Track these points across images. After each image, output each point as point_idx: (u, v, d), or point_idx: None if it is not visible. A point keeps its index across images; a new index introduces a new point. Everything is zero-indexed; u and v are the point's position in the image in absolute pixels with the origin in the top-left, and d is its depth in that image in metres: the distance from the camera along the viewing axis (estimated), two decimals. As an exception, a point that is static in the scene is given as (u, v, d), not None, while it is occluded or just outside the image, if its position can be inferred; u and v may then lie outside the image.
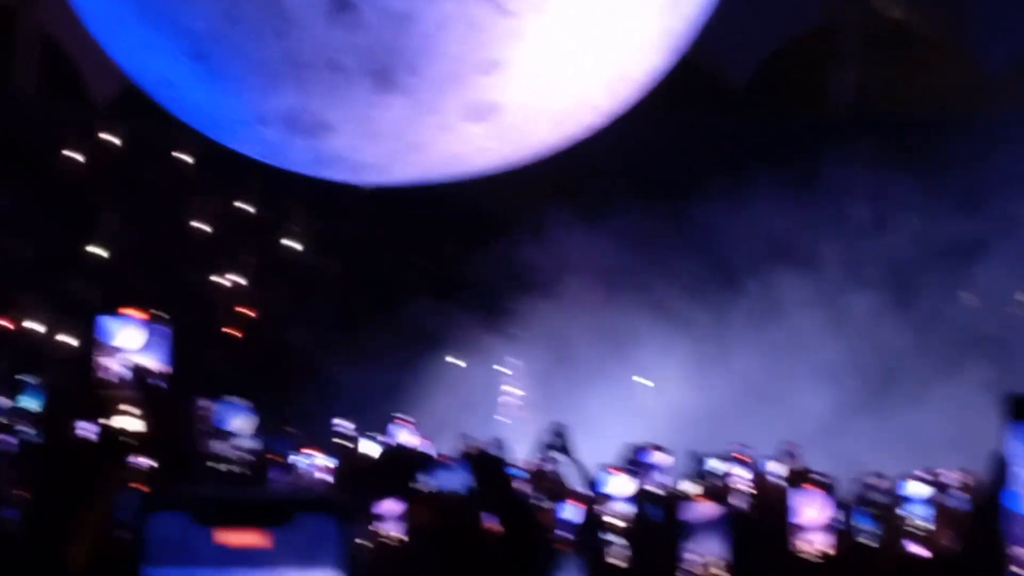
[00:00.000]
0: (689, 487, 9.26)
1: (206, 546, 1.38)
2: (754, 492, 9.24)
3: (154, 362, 2.83)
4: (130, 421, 2.88)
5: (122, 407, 2.87)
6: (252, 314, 21.49)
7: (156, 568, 1.39)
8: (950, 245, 20.80)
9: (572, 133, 7.55)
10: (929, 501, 9.67)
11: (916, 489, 9.88)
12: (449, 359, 21.81)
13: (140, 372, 2.86)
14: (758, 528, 7.25)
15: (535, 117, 7.24)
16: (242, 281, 21.65)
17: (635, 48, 7.24)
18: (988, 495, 2.00)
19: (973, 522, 1.96)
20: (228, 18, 6.66)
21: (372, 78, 6.81)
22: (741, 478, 9.65)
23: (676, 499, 7.94)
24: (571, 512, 7.90)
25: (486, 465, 4.89)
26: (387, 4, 6.65)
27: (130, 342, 2.79)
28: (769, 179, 20.48)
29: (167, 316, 2.86)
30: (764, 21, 24.32)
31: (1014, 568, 2.10)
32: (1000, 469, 2.05)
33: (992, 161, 20.29)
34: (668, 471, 8.60)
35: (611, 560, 7.14)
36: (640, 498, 7.95)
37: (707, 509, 5.34)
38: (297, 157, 7.34)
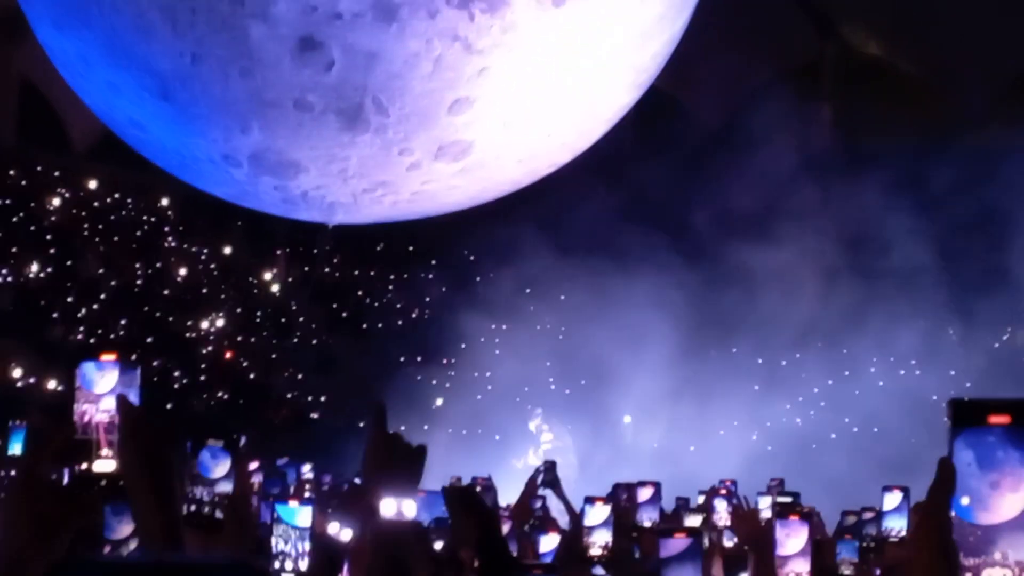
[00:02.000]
0: (672, 520, 9.25)
1: None
2: (736, 525, 9.21)
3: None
4: (106, 464, 2.85)
5: (99, 452, 2.84)
6: (231, 357, 21.47)
7: None
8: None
9: (540, 170, 7.54)
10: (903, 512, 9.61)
11: (890, 502, 9.85)
12: (437, 402, 21.87)
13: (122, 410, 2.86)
14: (741, 561, 7.20)
15: (503, 155, 7.23)
16: (222, 324, 21.62)
17: (602, 85, 7.23)
18: (937, 502, 1.99)
19: (918, 530, 1.95)
20: (193, 57, 6.63)
21: (340, 117, 6.79)
22: (724, 511, 9.63)
23: (657, 532, 7.94)
24: (552, 542, 7.90)
25: (462, 497, 4.81)
26: (354, 42, 6.63)
27: (103, 386, 2.78)
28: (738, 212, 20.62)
29: (135, 358, 2.83)
30: (741, 63, 24.43)
31: None
32: (948, 475, 2.04)
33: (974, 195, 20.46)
34: (651, 504, 8.56)
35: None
36: (619, 530, 7.94)
37: (682, 543, 5.27)
38: (266, 197, 7.30)
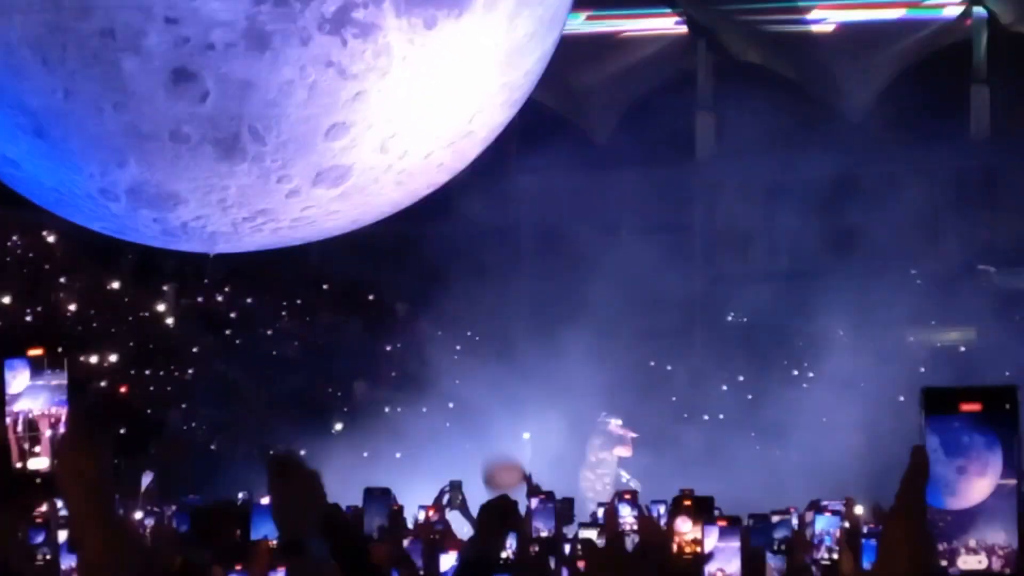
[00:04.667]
0: (575, 529, 9.34)
1: None
2: (638, 530, 9.29)
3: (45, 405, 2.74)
4: (40, 462, 2.82)
5: (32, 450, 2.81)
6: (125, 392, 21.30)
7: None
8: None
9: (419, 191, 7.61)
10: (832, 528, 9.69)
11: (821, 518, 9.94)
12: (337, 427, 21.80)
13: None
14: (646, 564, 7.21)
15: (381, 178, 7.28)
16: (114, 359, 21.46)
17: (476, 106, 7.31)
18: (912, 489, 2.00)
19: (893, 518, 1.95)
20: (66, 93, 6.63)
21: (216, 147, 6.81)
22: (628, 515, 9.70)
23: (557, 540, 8.03)
24: (451, 560, 7.94)
25: (333, 519, 4.85)
26: (227, 72, 6.66)
27: (16, 387, 2.71)
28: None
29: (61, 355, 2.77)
30: (625, 75, 24.60)
31: (942, 562, 2.11)
32: (922, 462, 2.06)
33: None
34: (551, 514, 8.62)
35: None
36: (522, 540, 7.99)
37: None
38: (145, 230, 7.30)
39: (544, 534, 8.17)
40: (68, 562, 5.92)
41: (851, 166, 22.97)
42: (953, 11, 24.22)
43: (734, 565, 6.00)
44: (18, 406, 2.81)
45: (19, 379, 2.83)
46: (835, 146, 22.76)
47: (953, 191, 23.54)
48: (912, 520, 2.09)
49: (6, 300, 21.96)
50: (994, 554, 2.09)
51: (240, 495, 11.60)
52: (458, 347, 21.64)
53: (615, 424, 19.10)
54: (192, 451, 20.31)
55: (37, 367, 2.83)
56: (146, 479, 12.13)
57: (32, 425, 2.82)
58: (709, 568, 6.02)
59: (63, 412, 2.81)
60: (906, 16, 24.11)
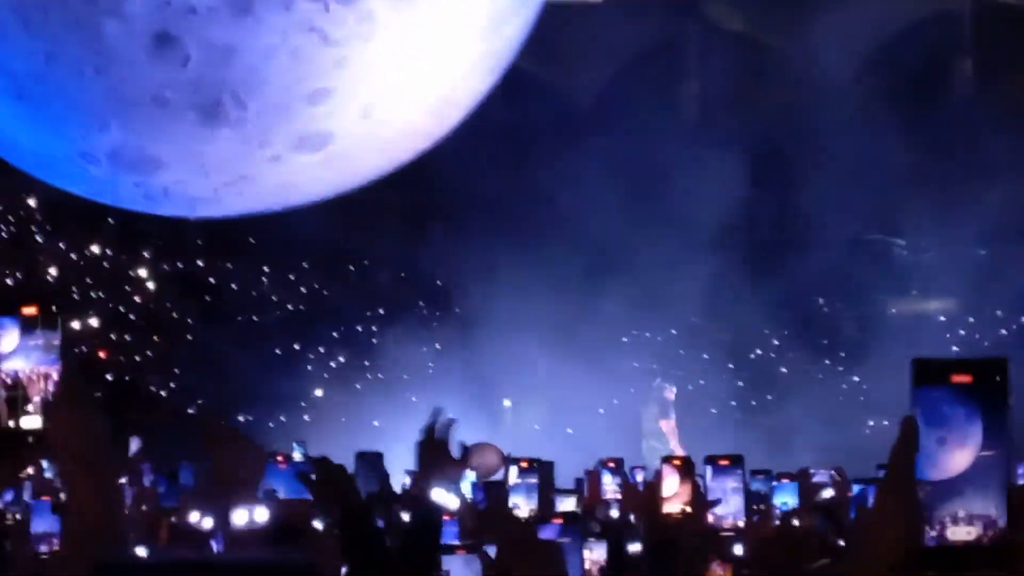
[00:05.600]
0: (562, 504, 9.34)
1: None
2: (625, 497, 9.33)
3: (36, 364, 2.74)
4: (33, 420, 2.81)
5: (25, 408, 2.81)
6: (105, 356, 21.31)
7: None
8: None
9: (400, 158, 7.62)
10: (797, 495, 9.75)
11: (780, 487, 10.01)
12: (317, 392, 21.86)
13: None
14: (630, 527, 7.22)
15: (364, 145, 7.30)
16: (95, 324, 21.47)
17: (458, 73, 7.33)
18: (902, 458, 2.00)
19: (885, 486, 1.95)
20: (48, 57, 6.63)
21: (198, 112, 6.82)
22: (611, 484, 9.73)
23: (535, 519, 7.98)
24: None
25: (324, 469, 4.87)
26: (210, 37, 6.66)
27: (6, 346, 2.71)
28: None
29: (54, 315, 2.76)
30: (607, 42, 24.58)
31: (929, 532, 2.12)
32: (912, 432, 2.07)
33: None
34: (534, 487, 8.57)
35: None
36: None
37: (555, 530, 5.30)
38: (126, 194, 7.30)
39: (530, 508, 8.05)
40: (42, 526, 5.88)
41: (831, 133, 23.04)
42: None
43: (734, 504, 6.04)
44: (8, 364, 2.82)
45: (9, 338, 2.83)
46: (819, 112, 22.85)
47: (936, 160, 23.60)
48: (903, 491, 2.10)
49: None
50: (982, 525, 2.09)
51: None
52: (437, 313, 21.69)
53: (670, 390, 19.09)
54: (176, 417, 20.33)
55: (29, 326, 2.84)
56: (134, 444, 12.14)
57: (23, 384, 2.82)
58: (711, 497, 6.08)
59: (55, 371, 2.82)
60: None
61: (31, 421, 2.80)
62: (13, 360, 2.81)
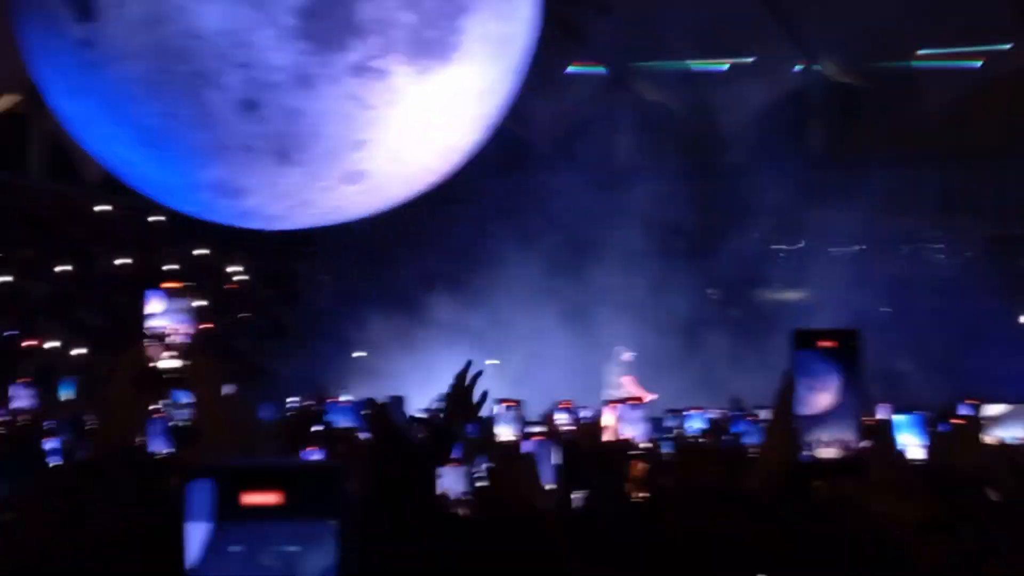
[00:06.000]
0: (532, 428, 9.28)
1: (233, 505, 1.37)
2: (574, 428, 9.28)
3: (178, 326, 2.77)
4: (170, 362, 2.84)
5: (163, 354, 2.83)
6: (210, 327, 21.23)
7: (194, 523, 1.37)
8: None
9: (418, 189, 7.64)
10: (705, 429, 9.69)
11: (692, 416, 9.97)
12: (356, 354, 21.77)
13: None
14: (580, 454, 7.13)
15: (392, 179, 7.31)
16: (204, 304, 21.40)
17: (461, 128, 7.34)
18: (784, 401, 2.02)
19: (774, 419, 1.94)
20: (168, 116, 6.64)
21: (274, 156, 6.82)
22: (561, 420, 9.72)
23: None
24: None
25: (373, 405, 4.90)
26: (283, 103, 6.68)
27: (152, 308, 2.76)
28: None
29: (187, 288, 2.81)
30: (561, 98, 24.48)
31: (804, 452, 2.14)
32: (791, 383, 2.09)
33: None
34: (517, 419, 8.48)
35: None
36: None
37: (533, 445, 5.25)
38: (223, 214, 7.31)
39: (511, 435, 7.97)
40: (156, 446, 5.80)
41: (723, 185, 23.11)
42: (798, 66, 24.33)
43: (637, 430, 6.05)
44: (155, 322, 2.85)
45: (155, 303, 2.87)
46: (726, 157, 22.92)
47: (796, 190, 23.67)
48: (784, 423, 2.12)
49: (123, 260, 21.89)
50: (842, 446, 2.11)
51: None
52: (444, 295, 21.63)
53: (627, 354, 18.93)
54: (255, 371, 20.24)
55: (171, 295, 2.87)
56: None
57: (165, 335, 2.85)
58: (621, 434, 6.07)
59: (187, 327, 2.85)
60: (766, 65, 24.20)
61: (169, 363, 2.83)
62: (159, 319, 2.84)
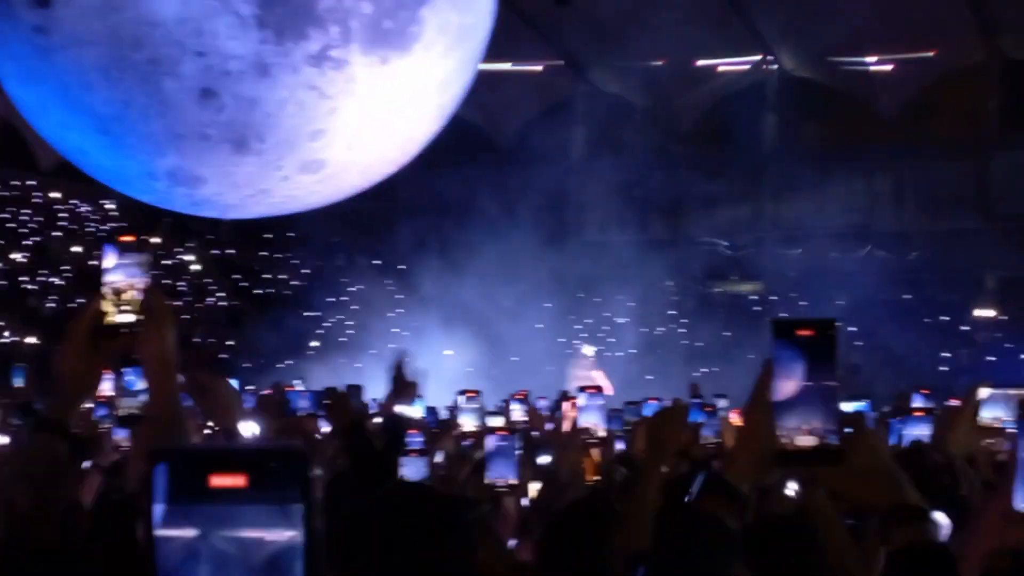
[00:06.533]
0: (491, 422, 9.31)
1: (201, 487, 1.35)
2: (527, 420, 9.31)
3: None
4: (124, 316, 2.78)
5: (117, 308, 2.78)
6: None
7: (161, 505, 1.35)
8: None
9: (374, 179, 7.65)
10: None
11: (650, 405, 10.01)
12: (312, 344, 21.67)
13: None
14: (537, 445, 7.20)
15: (349, 169, 7.31)
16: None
17: (417, 119, 7.36)
18: (764, 387, 2.02)
19: (752, 404, 1.92)
20: (124, 104, 6.60)
21: (231, 144, 6.81)
22: (517, 411, 9.73)
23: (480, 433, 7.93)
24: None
25: (333, 395, 4.99)
26: (240, 92, 6.65)
27: (107, 263, 2.71)
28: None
29: (144, 242, 2.76)
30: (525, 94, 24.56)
31: (782, 440, 2.14)
32: (770, 370, 2.10)
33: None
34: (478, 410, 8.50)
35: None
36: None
37: (495, 439, 5.27)
38: (179, 201, 7.28)
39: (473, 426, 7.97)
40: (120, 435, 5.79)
41: (680, 178, 23.20)
42: (754, 58, 24.47)
43: (595, 418, 6.09)
44: (110, 277, 2.81)
45: (110, 258, 2.83)
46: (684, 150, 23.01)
47: (751, 185, 23.79)
48: (763, 411, 2.12)
49: (77, 249, 21.69)
50: (819, 435, 2.12)
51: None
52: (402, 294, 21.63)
53: (587, 348, 18.99)
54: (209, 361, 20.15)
55: (125, 249, 2.82)
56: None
57: (121, 290, 2.81)
58: (580, 423, 6.10)
59: (142, 282, 2.80)
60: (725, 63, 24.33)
61: (124, 317, 2.79)
62: (114, 274, 2.80)
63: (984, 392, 4.54)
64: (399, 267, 21.67)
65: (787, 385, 2.12)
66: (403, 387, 5.79)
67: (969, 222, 21.99)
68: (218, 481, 1.41)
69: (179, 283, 22.17)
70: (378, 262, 22.03)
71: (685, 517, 2.10)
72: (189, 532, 1.40)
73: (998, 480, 3.21)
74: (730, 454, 2.43)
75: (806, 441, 2.12)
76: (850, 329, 19.30)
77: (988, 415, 4.48)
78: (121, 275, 2.80)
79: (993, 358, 18.98)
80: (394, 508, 2.63)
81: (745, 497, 2.08)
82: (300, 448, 1.45)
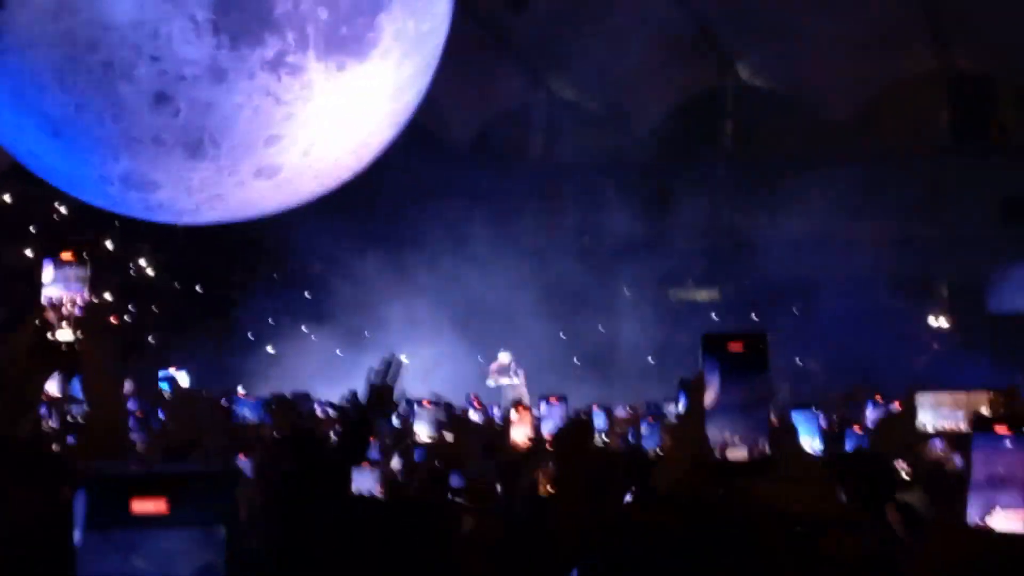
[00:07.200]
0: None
1: (122, 513, 1.33)
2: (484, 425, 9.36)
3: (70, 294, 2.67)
4: (65, 334, 2.75)
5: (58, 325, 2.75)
6: (116, 322, 20.85)
7: (83, 533, 1.32)
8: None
9: (329, 185, 7.65)
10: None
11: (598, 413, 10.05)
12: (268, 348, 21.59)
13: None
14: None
15: (304, 174, 7.30)
16: (108, 298, 21.02)
17: (373, 125, 7.36)
18: (697, 398, 2.04)
19: (687, 415, 1.95)
20: (77, 107, 6.57)
21: (185, 149, 6.78)
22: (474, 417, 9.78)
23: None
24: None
25: (280, 402, 4.94)
26: (195, 96, 6.64)
27: (46, 278, 2.67)
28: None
29: (85, 257, 2.71)
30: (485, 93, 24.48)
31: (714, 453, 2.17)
32: (702, 383, 2.12)
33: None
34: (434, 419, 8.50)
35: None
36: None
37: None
38: (132, 206, 7.25)
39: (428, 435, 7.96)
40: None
41: (644, 178, 23.30)
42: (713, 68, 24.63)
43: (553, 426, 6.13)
44: (48, 291, 2.80)
45: (48, 271, 2.81)
46: (639, 158, 23.13)
47: (708, 195, 23.92)
48: (695, 422, 2.16)
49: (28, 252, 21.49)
50: (749, 447, 2.14)
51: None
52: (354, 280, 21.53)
53: (503, 355, 19.01)
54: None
55: (63, 264, 2.81)
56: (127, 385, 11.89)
57: (59, 306, 2.79)
58: (544, 431, 6.13)
59: (80, 297, 2.78)
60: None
61: (64, 334, 2.77)
62: (52, 288, 2.78)
63: (923, 397, 4.62)
64: (358, 270, 21.58)
65: (719, 397, 2.16)
66: (384, 403, 5.74)
67: (920, 229, 22.26)
68: (139, 507, 1.39)
69: (130, 285, 22.00)
70: (334, 270, 21.93)
71: (618, 524, 2.12)
72: (109, 556, 1.38)
73: (948, 493, 3.27)
74: (660, 462, 2.47)
75: (737, 453, 2.15)
76: (806, 336, 19.45)
77: (927, 419, 4.57)
78: (59, 289, 2.78)
79: (945, 364, 19.23)
80: (362, 521, 2.64)
81: (679, 503, 2.11)
82: (222, 471, 1.43)
